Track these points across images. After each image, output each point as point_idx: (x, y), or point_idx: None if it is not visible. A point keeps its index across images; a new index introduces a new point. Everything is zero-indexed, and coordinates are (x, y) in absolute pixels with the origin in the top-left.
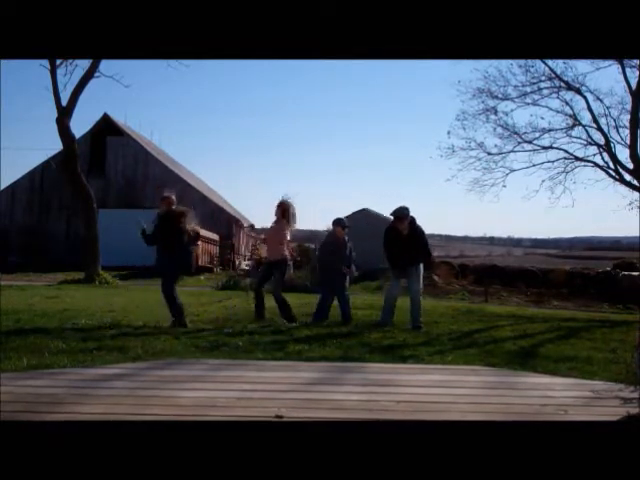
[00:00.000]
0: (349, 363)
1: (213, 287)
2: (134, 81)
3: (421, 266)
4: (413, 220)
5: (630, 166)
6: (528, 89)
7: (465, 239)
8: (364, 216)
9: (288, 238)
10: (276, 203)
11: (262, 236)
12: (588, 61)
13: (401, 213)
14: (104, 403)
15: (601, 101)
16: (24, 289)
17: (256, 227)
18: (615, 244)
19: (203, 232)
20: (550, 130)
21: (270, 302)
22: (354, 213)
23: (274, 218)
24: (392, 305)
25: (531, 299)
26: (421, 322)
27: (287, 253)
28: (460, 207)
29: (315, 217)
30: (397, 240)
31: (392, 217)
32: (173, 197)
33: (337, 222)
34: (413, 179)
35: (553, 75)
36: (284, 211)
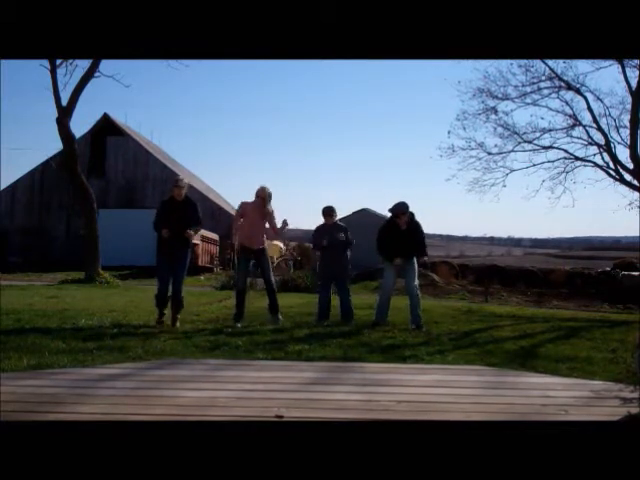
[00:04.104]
0: (349, 363)
1: (213, 287)
2: (134, 81)
3: (415, 262)
4: (412, 215)
5: (630, 166)
6: (528, 89)
7: (465, 239)
8: (364, 216)
9: (277, 224)
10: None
11: (240, 221)
12: (588, 61)
13: (400, 209)
14: (104, 403)
15: (601, 101)
16: (24, 289)
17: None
18: (615, 244)
19: (203, 232)
20: (550, 130)
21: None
22: (354, 213)
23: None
24: (386, 303)
25: (531, 299)
26: (421, 321)
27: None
28: (460, 207)
29: (315, 217)
30: (394, 234)
31: (390, 213)
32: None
33: (322, 211)
34: (413, 179)
35: (553, 75)
36: (263, 198)
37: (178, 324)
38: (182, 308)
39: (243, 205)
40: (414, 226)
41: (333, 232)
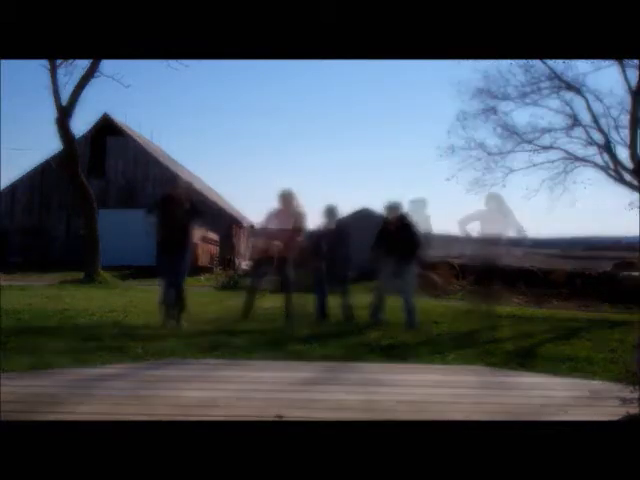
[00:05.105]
0: (349, 363)
1: (213, 287)
2: (134, 81)
3: (413, 267)
4: (403, 216)
5: (630, 166)
6: (528, 89)
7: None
8: (364, 216)
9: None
10: (278, 195)
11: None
12: (588, 61)
13: (389, 211)
14: (104, 403)
15: (601, 101)
16: (24, 289)
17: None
18: (615, 244)
19: (203, 232)
20: (550, 130)
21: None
22: (354, 213)
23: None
24: (380, 303)
25: (531, 299)
26: (418, 324)
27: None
28: (460, 207)
29: (314, 217)
30: (385, 236)
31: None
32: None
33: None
34: (413, 179)
35: (553, 75)
36: (290, 203)
37: (183, 322)
38: (185, 307)
39: (270, 217)
40: (406, 227)
41: (330, 238)
